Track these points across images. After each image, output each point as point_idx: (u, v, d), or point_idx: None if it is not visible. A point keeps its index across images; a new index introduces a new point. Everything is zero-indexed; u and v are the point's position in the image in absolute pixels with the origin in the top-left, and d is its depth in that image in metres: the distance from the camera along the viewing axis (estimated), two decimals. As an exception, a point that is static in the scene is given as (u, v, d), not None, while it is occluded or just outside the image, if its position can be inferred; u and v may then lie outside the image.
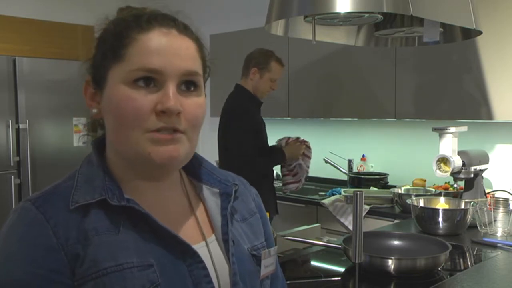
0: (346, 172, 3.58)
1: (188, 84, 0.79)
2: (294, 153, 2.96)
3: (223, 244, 0.86)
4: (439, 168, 2.23)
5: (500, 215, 2.38)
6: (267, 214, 1.04)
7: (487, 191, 2.47)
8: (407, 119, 3.22)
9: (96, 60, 0.82)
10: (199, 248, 0.82)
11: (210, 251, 0.84)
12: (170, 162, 0.78)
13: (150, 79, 0.77)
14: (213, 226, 0.88)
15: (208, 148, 4.47)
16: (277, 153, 2.93)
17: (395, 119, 3.20)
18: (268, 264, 0.92)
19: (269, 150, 2.97)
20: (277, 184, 3.27)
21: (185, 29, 0.82)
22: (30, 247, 0.73)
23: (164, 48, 0.77)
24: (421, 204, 2.24)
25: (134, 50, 0.77)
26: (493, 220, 2.20)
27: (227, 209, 0.88)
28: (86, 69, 0.84)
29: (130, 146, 0.78)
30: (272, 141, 3.11)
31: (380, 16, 1.91)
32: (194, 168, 0.92)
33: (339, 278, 1.69)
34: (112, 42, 0.79)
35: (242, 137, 2.84)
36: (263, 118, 4.08)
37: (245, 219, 0.93)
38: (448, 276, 1.63)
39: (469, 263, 1.84)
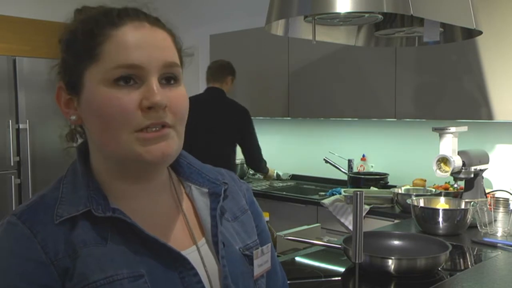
0: (346, 172, 3.58)
1: (168, 78, 0.77)
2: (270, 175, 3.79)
3: (214, 247, 0.84)
4: (439, 168, 2.22)
5: (500, 215, 2.37)
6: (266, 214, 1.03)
7: (487, 191, 2.47)
8: (407, 119, 3.22)
9: (67, 64, 0.78)
10: (190, 253, 0.81)
11: (201, 254, 0.82)
12: (163, 159, 0.76)
13: (130, 77, 0.73)
14: (203, 228, 0.86)
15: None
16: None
17: (395, 119, 3.20)
18: (262, 263, 0.90)
19: None
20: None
21: (157, 21, 0.79)
22: (20, 262, 0.71)
23: (141, 41, 0.74)
24: (421, 204, 2.24)
25: (110, 47, 0.73)
26: (493, 220, 2.20)
27: (216, 209, 0.85)
28: (56, 75, 0.80)
29: (120, 147, 0.75)
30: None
31: (380, 16, 1.91)
32: (182, 167, 0.90)
33: (339, 278, 1.69)
34: (84, 42, 0.75)
35: (256, 138, 3.42)
36: (262, 117, 4.13)
37: (237, 218, 0.91)
38: (448, 276, 1.63)
39: (469, 263, 1.84)
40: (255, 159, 3.46)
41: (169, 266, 0.77)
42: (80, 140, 0.85)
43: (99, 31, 0.75)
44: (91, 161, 0.82)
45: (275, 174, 3.89)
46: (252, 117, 3.38)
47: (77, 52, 0.76)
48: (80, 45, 0.76)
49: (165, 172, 0.86)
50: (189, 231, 0.84)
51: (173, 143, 0.76)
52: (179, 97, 0.78)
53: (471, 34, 2.11)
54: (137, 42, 0.74)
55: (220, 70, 3.43)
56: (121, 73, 0.73)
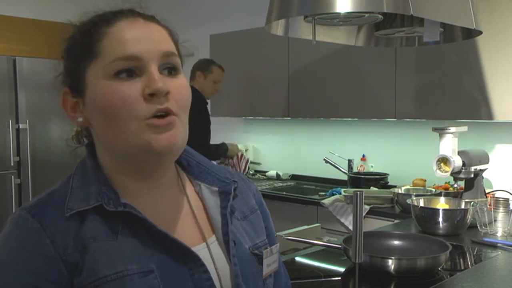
0: (346, 172, 3.58)
1: (169, 68, 0.78)
2: (233, 150, 3.75)
3: (224, 245, 0.84)
4: (439, 168, 2.22)
5: (500, 215, 2.38)
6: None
7: (487, 191, 2.47)
8: (407, 119, 3.22)
9: (69, 69, 0.80)
10: (200, 250, 0.81)
11: (211, 252, 0.82)
12: (170, 148, 0.76)
13: (131, 71, 0.75)
14: (213, 226, 0.86)
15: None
16: (222, 146, 3.67)
17: (395, 119, 3.20)
18: (271, 263, 0.91)
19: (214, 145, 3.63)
20: None
21: (151, 17, 0.81)
22: (28, 257, 0.71)
23: (137, 34, 0.76)
24: (421, 204, 2.24)
25: (107, 43, 0.76)
26: (493, 220, 2.20)
27: (226, 208, 0.86)
28: (61, 83, 0.81)
29: (129, 138, 0.75)
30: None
31: (380, 16, 1.91)
32: (191, 166, 0.90)
33: (339, 278, 1.69)
34: (83, 43, 0.78)
35: (204, 126, 3.42)
36: (262, 118, 4.12)
37: (246, 217, 0.91)
38: (448, 276, 1.63)
39: (469, 263, 1.84)
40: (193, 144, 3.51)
41: (179, 261, 0.77)
42: (86, 142, 0.87)
43: (96, 29, 0.77)
44: (100, 160, 0.82)
45: (239, 148, 3.81)
46: (251, 117, 3.39)
47: (77, 55, 0.78)
48: (79, 47, 0.78)
49: (173, 170, 0.86)
50: (199, 229, 0.84)
51: (178, 132, 0.77)
52: (180, 87, 0.79)
53: (471, 34, 2.12)
54: (133, 35, 0.76)
55: (192, 68, 3.55)
56: (121, 65, 0.75)
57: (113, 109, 0.75)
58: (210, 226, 0.86)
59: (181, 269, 0.77)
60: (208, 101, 3.64)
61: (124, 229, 0.76)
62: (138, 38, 0.76)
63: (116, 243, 0.74)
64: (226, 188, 0.88)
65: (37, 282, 0.71)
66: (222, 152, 3.65)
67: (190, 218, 0.85)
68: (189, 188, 0.89)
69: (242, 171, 3.72)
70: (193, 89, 3.50)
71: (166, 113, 0.76)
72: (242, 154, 3.80)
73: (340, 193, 3.22)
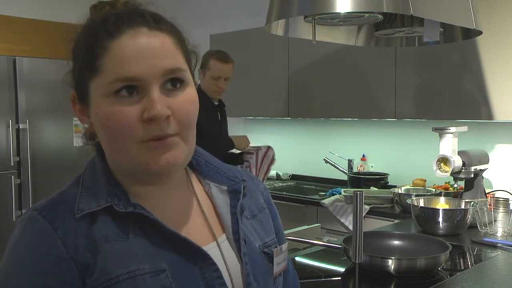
0: (346, 172, 3.58)
1: (174, 82, 0.76)
2: (242, 142, 3.08)
3: (235, 244, 0.84)
4: (439, 168, 2.22)
5: (500, 215, 2.38)
6: None
7: (487, 191, 2.47)
8: (407, 119, 3.22)
9: (75, 74, 0.79)
10: (210, 248, 0.81)
11: (221, 251, 0.82)
12: (170, 169, 0.76)
13: (133, 87, 0.73)
14: (223, 225, 0.86)
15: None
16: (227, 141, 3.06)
17: (395, 119, 3.20)
18: (280, 261, 0.91)
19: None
20: None
21: (156, 23, 0.76)
22: (40, 257, 0.72)
23: (138, 52, 0.73)
24: (421, 204, 2.24)
25: (108, 60, 0.73)
26: (493, 220, 2.20)
27: (236, 207, 0.86)
28: (68, 84, 0.81)
29: (127, 157, 0.75)
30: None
31: (380, 16, 1.91)
32: (200, 166, 0.90)
33: (339, 278, 1.69)
34: (85, 55, 0.76)
35: (208, 124, 2.87)
36: (262, 117, 4.08)
37: (255, 216, 0.91)
38: (448, 276, 1.63)
39: (469, 263, 1.84)
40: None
41: (190, 260, 0.77)
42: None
43: (97, 43, 0.74)
44: (108, 161, 0.82)
45: (250, 143, 3.15)
46: (252, 117, 3.32)
47: (80, 64, 0.77)
48: (81, 57, 0.77)
49: (181, 171, 0.86)
50: (209, 228, 0.84)
51: (179, 151, 0.76)
52: (184, 103, 0.76)
53: (471, 34, 2.12)
54: (134, 53, 0.73)
55: None
56: (120, 85, 0.73)
57: (113, 130, 0.74)
58: (220, 225, 0.86)
59: (192, 268, 0.77)
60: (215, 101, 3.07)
61: (135, 229, 0.76)
62: (140, 56, 0.73)
63: (127, 243, 0.74)
64: (235, 187, 0.88)
65: (49, 282, 0.71)
66: (228, 146, 3.02)
67: (200, 217, 0.85)
68: (198, 188, 0.88)
69: (263, 177, 3.08)
70: (199, 90, 3.39)
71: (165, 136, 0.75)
72: (264, 155, 3.06)
73: (340, 193, 3.22)
